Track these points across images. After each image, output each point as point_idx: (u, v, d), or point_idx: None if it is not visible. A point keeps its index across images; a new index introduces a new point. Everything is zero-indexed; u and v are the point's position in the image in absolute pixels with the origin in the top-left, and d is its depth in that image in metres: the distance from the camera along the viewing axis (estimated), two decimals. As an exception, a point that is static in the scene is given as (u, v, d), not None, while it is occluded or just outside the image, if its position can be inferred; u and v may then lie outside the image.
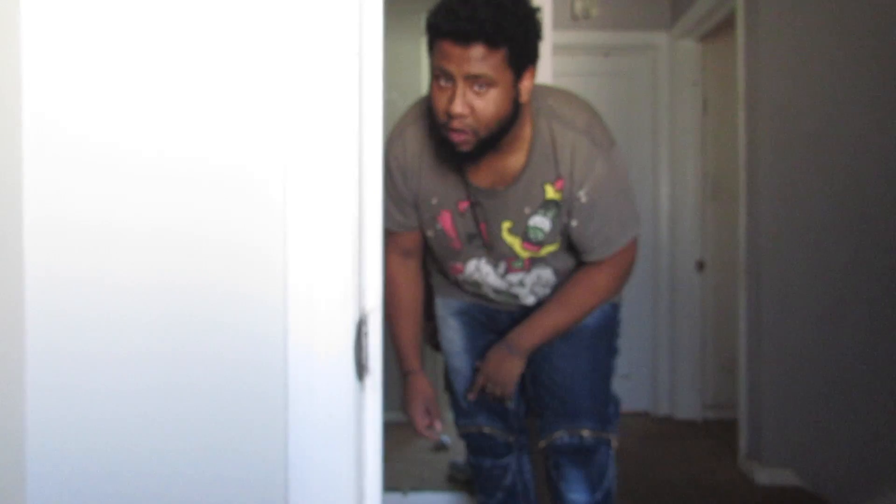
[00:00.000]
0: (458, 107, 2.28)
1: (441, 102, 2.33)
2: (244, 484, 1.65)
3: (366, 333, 1.66)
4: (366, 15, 1.66)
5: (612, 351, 2.97)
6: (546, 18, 3.81)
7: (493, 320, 3.00)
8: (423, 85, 5.18)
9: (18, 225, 1.59)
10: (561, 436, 2.88)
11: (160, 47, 1.61)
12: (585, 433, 2.86)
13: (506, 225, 2.61)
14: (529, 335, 2.72)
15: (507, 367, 2.75)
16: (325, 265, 1.59)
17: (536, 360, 2.91)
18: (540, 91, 2.61)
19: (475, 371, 2.99)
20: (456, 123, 2.31)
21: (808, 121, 4.61)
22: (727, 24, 5.60)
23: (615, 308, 2.94)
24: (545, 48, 3.74)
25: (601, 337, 2.90)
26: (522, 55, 2.35)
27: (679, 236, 6.42)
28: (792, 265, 4.73)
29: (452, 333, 3.07)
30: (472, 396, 2.89)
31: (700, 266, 6.40)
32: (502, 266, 2.73)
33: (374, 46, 1.68)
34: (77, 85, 1.61)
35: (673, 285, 6.45)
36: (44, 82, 1.60)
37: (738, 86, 5.20)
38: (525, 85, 2.40)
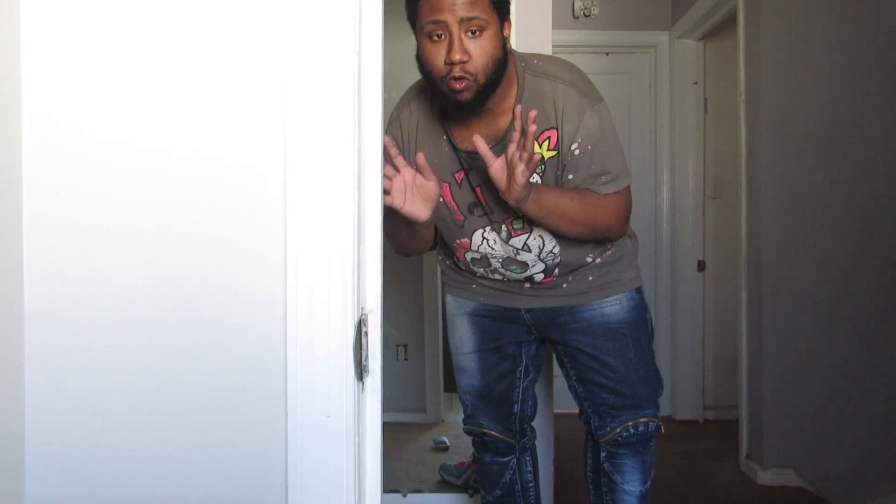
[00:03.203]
0: (457, 53, 2.36)
1: (438, 56, 2.40)
2: (244, 483, 1.65)
3: (366, 333, 1.66)
4: (365, 13, 1.66)
5: (650, 334, 3.01)
6: (546, 17, 3.82)
7: (504, 324, 3.02)
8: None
9: (17, 223, 1.60)
10: (627, 427, 2.93)
11: (160, 45, 1.62)
12: (644, 421, 2.93)
13: None
14: (546, 190, 2.55)
15: (518, 184, 2.43)
16: (324, 265, 1.59)
17: (583, 362, 2.94)
18: (526, 55, 2.69)
19: (484, 371, 3.05)
20: (457, 70, 2.38)
21: (809, 120, 4.61)
22: (728, 24, 5.60)
23: (640, 292, 2.98)
24: (545, 47, 3.75)
25: (639, 325, 2.94)
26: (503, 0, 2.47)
27: (680, 236, 6.42)
28: (793, 265, 4.73)
29: (463, 333, 3.08)
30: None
31: (701, 266, 6.39)
32: (504, 231, 2.75)
33: (374, 45, 1.69)
34: (75, 83, 1.61)
35: (673, 285, 6.45)
36: (42, 80, 1.61)
37: (739, 85, 5.20)
38: (506, 33, 2.51)
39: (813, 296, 4.61)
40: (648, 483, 3.01)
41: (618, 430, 2.93)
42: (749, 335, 5.10)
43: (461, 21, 2.34)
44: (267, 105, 1.62)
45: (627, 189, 2.70)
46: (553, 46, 3.83)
